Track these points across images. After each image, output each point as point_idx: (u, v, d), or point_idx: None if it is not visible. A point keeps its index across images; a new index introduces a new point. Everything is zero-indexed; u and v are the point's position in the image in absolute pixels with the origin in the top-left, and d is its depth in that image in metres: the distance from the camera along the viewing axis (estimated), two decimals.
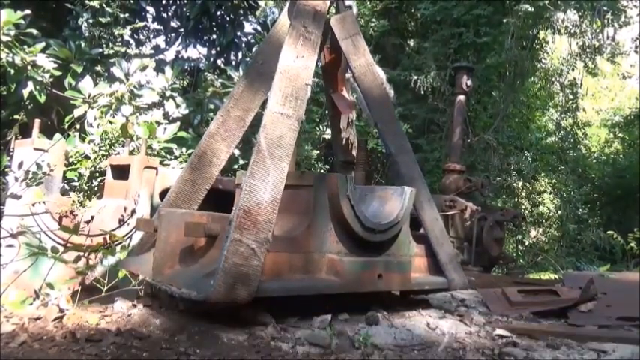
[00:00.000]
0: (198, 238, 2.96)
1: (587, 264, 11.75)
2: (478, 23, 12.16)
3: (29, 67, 6.08)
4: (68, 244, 3.78)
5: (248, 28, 13.69)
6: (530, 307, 4.13)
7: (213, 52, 10.23)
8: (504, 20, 12.33)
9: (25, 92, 6.22)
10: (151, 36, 10.84)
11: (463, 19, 12.04)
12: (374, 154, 12.86)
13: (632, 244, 9.33)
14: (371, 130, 10.39)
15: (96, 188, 5.75)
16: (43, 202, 4.34)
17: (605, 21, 13.29)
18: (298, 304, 3.09)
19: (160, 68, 7.44)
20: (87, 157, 5.87)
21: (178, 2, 10.41)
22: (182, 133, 6.56)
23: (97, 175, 5.80)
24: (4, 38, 5.79)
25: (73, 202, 4.72)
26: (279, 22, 3.71)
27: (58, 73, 6.47)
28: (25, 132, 6.00)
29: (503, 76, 13.31)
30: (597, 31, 13.77)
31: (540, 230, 16.37)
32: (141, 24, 8.81)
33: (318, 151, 11.57)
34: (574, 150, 16.96)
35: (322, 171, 11.23)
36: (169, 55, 13.59)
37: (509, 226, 10.47)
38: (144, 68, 6.93)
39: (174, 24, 10.65)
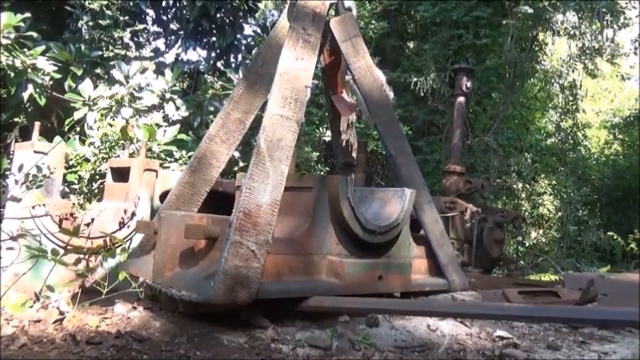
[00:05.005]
0: (198, 240, 2.96)
1: (588, 265, 11.74)
2: (477, 25, 12.17)
3: (29, 70, 6.09)
4: (68, 247, 3.78)
5: (248, 30, 13.77)
6: None
7: (213, 54, 10.24)
8: (504, 22, 12.36)
9: (25, 95, 6.23)
10: (151, 38, 10.86)
11: (462, 20, 12.05)
12: (374, 156, 12.88)
13: (633, 245, 9.34)
14: (371, 131, 10.42)
15: (96, 191, 5.75)
16: (43, 205, 4.34)
17: (605, 22, 13.30)
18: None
19: (159, 71, 7.45)
20: (87, 160, 5.88)
21: (178, 5, 10.42)
22: (182, 136, 6.57)
23: (97, 177, 5.80)
24: (4, 41, 5.80)
25: (73, 204, 4.72)
26: (279, 25, 3.72)
27: (57, 75, 6.48)
28: (25, 135, 6.01)
29: (502, 78, 13.33)
30: (597, 32, 13.78)
31: (540, 231, 16.37)
32: (141, 26, 8.81)
33: (318, 153, 11.59)
34: (574, 151, 16.96)
35: (322, 173, 11.24)
36: (169, 57, 13.61)
37: (510, 228, 10.45)
38: (144, 71, 6.94)
39: (173, 26, 10.65)
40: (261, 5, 12.98)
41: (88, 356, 2.15)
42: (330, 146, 9.20)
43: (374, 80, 3.74)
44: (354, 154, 4.51)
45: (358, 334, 2.90)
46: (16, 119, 6.52)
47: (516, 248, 13.93)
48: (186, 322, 2.76)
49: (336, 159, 4.66)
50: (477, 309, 2.97)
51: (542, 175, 16.42)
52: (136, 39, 9.18)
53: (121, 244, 3.65)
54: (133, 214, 4.62)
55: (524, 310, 2.62)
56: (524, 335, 3.38)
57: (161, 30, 10.80)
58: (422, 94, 12.21)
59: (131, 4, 8.42)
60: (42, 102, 6.35)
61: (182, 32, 10.31)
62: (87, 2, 7.54)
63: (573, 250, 13.98)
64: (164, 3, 10.40)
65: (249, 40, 10.35)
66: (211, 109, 7.53)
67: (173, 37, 10.62)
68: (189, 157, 5.16)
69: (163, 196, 4.43)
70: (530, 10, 12.46)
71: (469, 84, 8.42)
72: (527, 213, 14.97)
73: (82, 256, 3.40)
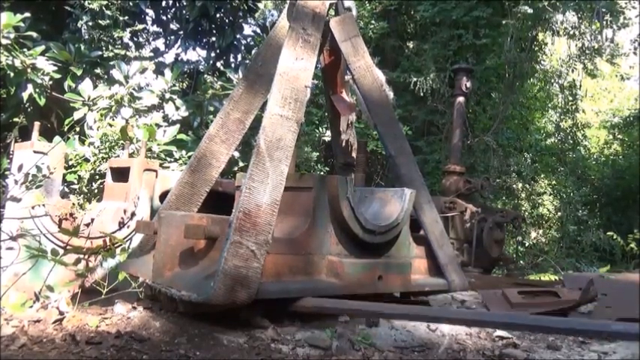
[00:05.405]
0: (198, 240, 2.96)
1: (587, 265, 11.76)
2: (477, 25, 12.18)
3: (29, 70, 6.09)
4: (68, 247, 3.78)
5: (247, 30, 13.74)
6: (530, 309, 4.13)
7: (213, 54, 10.23)
8: (503, 22, 12.37)
9: (25, 95, 6.23)
10: (151, 38, 10.85)
11: (462, 20, 12.06)
12: (374, 156, 12.88)
13: (632, 245, 9.35)
14: (370, 131, 10.41)
15: (96, 191, 5.74)
16: (43, 205, 4.34)
17: (604, 22, 13.31)
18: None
19: (159, 71, 7.44)
20: (86, 160, 5.87)
21: (178, 5, 10.41)
22: (182, 136, 6.57)
23: (97, 177, 5.80)
24: (4, 41, 5.79)
25: (73, 204, 4.71)
26: (279, 24, 3.72)
27: (57, 75, 6.48)
28: (25, 135, 6.00)
29: (502, 78, 13.34)
30: (596, 32, 13.79)
31: (540, 231, 16.38)
32: (140, 26, 8.81)
33: (317, 153, 11.59)
34: (573, 151, 16.97)
35: (322, 173, 11.24)
36: (169, 57, 13.62)
37: (509, 228, 10.46)
38: (143, 71, 6.93)
39: (173, 26, 10.65)
40: (260, 5, 12.98)
41: (87, 356, 2.15)
42: (329, 146, 9.20)
43: (373, 80, 3.74)
44: (353, 154, 4.51)
45: (358, 334, 2.90)
46: (15, 119, 6.52)
47: (516, 248, 13.94)
48: (186, 322, 2.76)
49: (336, 159, 4.65)
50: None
51: (542, 175, 16.44)
52: (135, 39, 9.17)
53: (121, 244, 3.65)
54: (133, 214, 4.61)
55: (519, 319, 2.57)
56: (523, 335, 3.38)
57: (161, 30, 10.79)
58: (421, 94, 12.22)
59: (131, 4, 8.42)
60: (41, 102, 6.34)
61: (182, 32, 10.31)
62: (87, 2, 7.54)
63: (573, 250, 13.99)
64: (164, 3, 10.39)
65: (248, 40, 10.34)
66: (211, 109, 7.53)
67: (173, 37, 10.61)
68: (189, 157, 5.15)
69: (163, 196, 4.43)
70: (530, 10, 12.48)
71: (469, 84, 8.44)
72: (527, 213, 14.99)
73: (81, 256, 3.40)
